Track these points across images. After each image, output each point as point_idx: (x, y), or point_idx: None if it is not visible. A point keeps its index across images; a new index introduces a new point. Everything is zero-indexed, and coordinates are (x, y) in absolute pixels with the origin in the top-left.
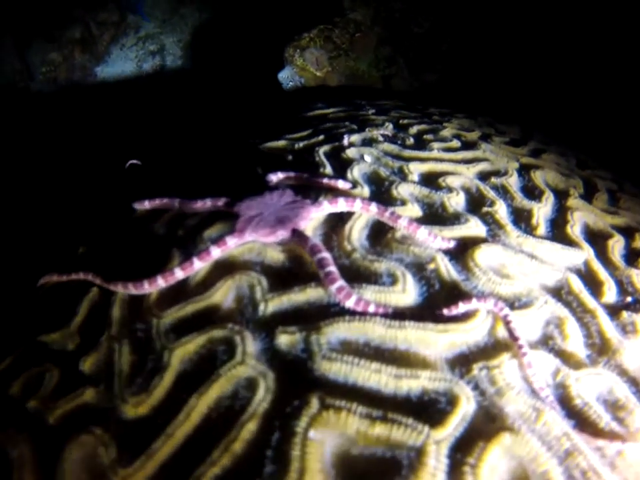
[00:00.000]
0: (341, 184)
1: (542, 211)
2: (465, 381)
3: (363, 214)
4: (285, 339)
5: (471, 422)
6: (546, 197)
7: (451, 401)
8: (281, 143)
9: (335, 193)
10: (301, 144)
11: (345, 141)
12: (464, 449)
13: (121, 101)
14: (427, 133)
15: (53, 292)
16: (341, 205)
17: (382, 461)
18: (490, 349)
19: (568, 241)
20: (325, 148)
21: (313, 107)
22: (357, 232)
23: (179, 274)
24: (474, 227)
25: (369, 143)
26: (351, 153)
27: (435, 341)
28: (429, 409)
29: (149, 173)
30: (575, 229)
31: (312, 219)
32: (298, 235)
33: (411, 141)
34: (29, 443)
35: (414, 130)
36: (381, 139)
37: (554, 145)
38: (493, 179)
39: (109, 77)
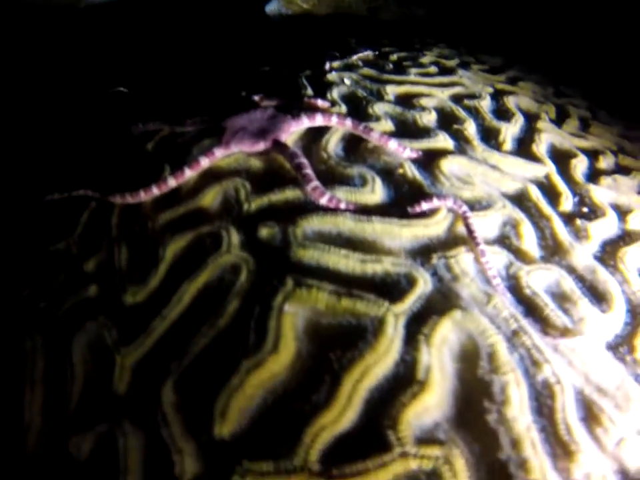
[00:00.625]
0: (320, 103)
1: (510, 131)
2: (425, 268)
3: (339, 128)
4: (266, 232)
5: (427, 300)
6: (515, 119)
7: (410, 282)
8: (265, 69)
9: (315, 109)
10: (284, 70)
11: (327, 66)
12: (420, 321)
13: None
14: (406, 60)
15: (57, 208)
16: (319, 120)
17: (348, 328)
18: (449, 243)
19: (532, 157)
20: (307, 72)
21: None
22: (332, 143)
23: (172, 182)
24: (442, 141)
25: (349, 68)
26: (331, 77)
27: (398, 234)
28: (391, 288)
29: (139, 98)
30: (540, 147)
31: (292, 132)
32: (278, 145)
33: (390, 67)
34: (41, 333)
35: (394, 57)
36: (360, 63)
37: (534, 75)
38: (466, 101)
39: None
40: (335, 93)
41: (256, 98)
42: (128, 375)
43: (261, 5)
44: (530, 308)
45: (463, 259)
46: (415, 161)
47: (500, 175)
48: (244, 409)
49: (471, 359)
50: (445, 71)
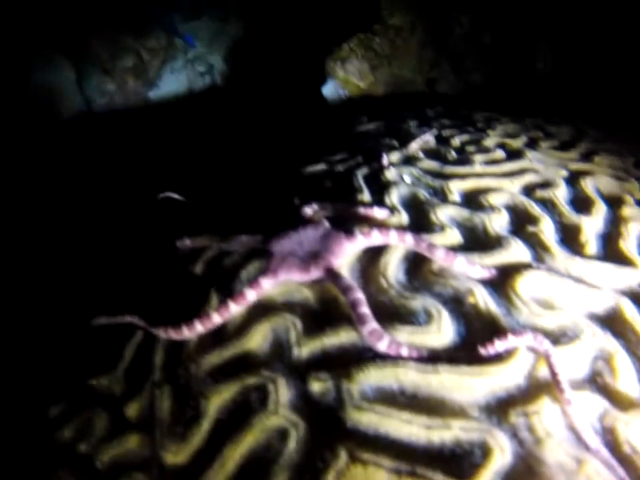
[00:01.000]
0: (377, 212)
1: (591, 225)
2: (502, 429)
3: (400, 246)
4: (317, 387)
5: (505, 474)
6: (597, 209)
7: (485, 452)
8: (320, 167)
9: (372, 222)
10: (340, 167)
11: (384, 161)
12: None
13: (173, 121)
14: (469, 143)
15: (101, 332)
16: (376, 238)
17: None
18: (530, 392)
19: (621, 258)
20: (363, 171)
21: (356, 122)
22: (393, 266)
23: (217, 319)
24: (517, 252)
25: (409, 160)
26: (390, 174)
27: (470, 386)
28: (461, 462)
29: (189, 204)
30: (628, 243)
31: (346, 255)
32: (331, 274)
33: (453, 154)
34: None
35: (456, 142)
36: (421, 155)
37: (609, 143)
38: (539, 192)
39: (161, 99)
40: (395, 197)
41: (308, 211)
42: None
43: (317, 85)
44: (629, 470)
45: (546, 415)
46: (486, 283)
47: (586, 290)
48: None
49: None
50: (512, 154)
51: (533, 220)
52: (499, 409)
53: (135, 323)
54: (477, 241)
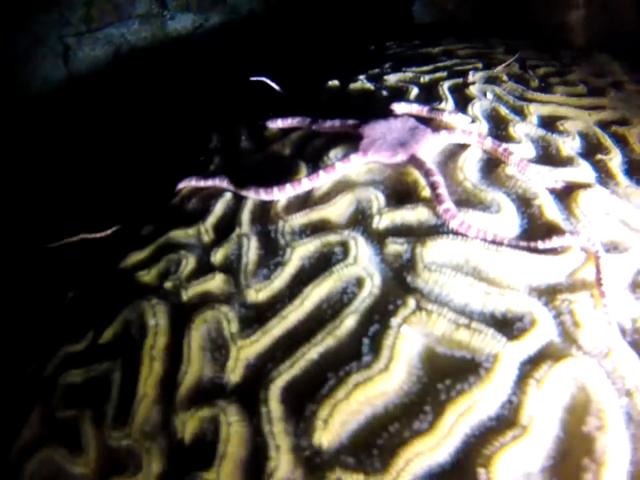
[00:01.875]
0: (461, 117)
1: None
2: (548, 309)
3: (478, 147)
4: (394, 248)
5: (545, 343)
6: None
7: (531, 322)
8: (408, 74)
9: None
10: (427, 77)
11: (470, 77)
12: (534, 364)
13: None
14: (554, 75)
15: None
16: (458, 135)
17: (461, 361)
18: (577, 285)
19: None
20: (449, 83)
21: (445, 41)
22: (470, 163)
23: (307, 184)
24: (584, 172)
25: (493, 80)
26: (474, 89)
27: (526, 269)
28: (511, 325)
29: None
30: None
31: (430, 146)
32: (415, 159)
33: (536, 83)
34: (165, 314)
35: (541, 71)
36: (505, 76)
37: None
38: (615, 128)
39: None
40: (477, 108)
41: (395, 106)
42: (241, 367)
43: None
44: None
45: (587, 306)
46: (552, 192)
47: None
48: (346, 422)
49: (579, 412)
50: (594, 91)
51: (604, 149)
52: (548, 292)
53: (224, 186)
54: (549, 157)
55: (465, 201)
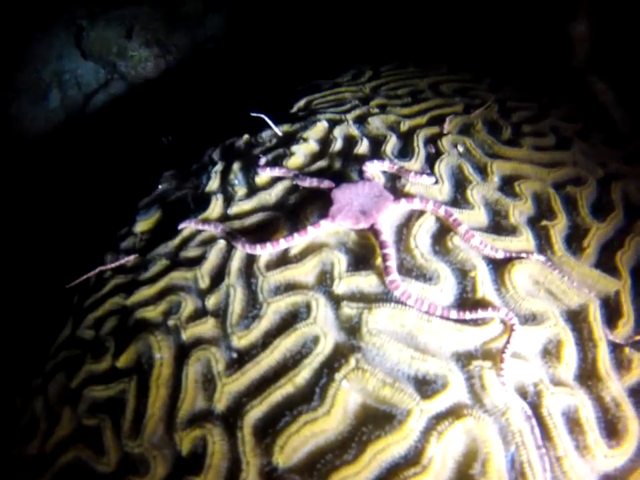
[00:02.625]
0: (425, 180)
1: (600, 233)
2: (462, 372)
3: (433, 215)
4: (347, 312)
5: (453, 403)
6: (613, 216)
7: (444, 384)
8: (391, 117)
9: (418, 187)
10: (407, 123)
11: (446, 127)
12: (439, 419)
13: None
14: (528, 122)
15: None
16: (416, 204)
17: (383, 411)
18: (490, 353)
19: (611, 268)
20: (425, 132)
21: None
22: (422, 230)
23: (283, 244)
24: (524, 241)
25: (467, 130)
26: (446, 142)
27: (450, 336)
28: (427, 385)
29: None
30: (624, 258)
31: (390, 213)
32: (374, 229)
33: (508, 133)
34: (168, 349)
35: (515, 118)
36: (479, 122)
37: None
38: (569, 188)
39: None
40: (443, 167)
41: (368, 166)
42: (224, 399)
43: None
44: (541, 425)
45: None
46: (492, 261)
47: (567, 288)
48: (297, 449)
49: (469, 459)
50: (562, 142)
51: (552, 214)
52: (465, 357)
53: (218, 232)
54: (497, 224)
55: (411, 269)
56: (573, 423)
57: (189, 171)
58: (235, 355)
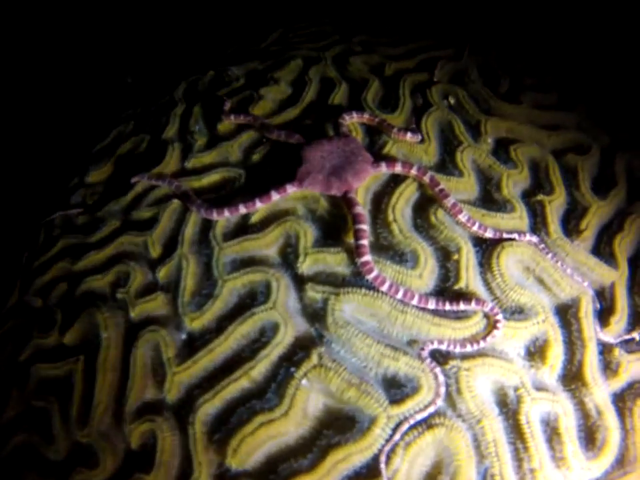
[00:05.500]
0: (409, 137)
1: (600, 212)
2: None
3: (416, 181)
4: (311, 296)
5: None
6: (615, 194)
7: (416, 388)
8: (375, 57)
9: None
10: (392, 66)
11: (437, 73)
12: (408, 427)
13: None
14: (530, 74)
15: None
16: (398, 169)
17: (346, 415)
18: (469, 353)
19: (609, 256)
20: (413, 78)
21: None
22: (403, 200)
23: (243, 209)
24: (517, 218)
25: (460, 77)
26: (435, 91)
27: (427, 330)
28: (396, 388)
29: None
30: (623, 244)
31: (367, 179)
32: (347, 198)
33: (506, 86)
34: (116, 327)
35: (519, 67)
36: (475, 73)
37: None
38: (570, 156)
39: None
40: (431, 122)
41: (346, 118)
42: (175, 390)
43: None
44: (518, 433)
45: (475, 373)
46: (477, 241)
47: (560, 277)
48: (251, 452)
49: (438, 470)
50: (565, 102)
51: (548, 188)
52: (442, 356)
53: (173, 189)
54: (487, 196)
55: (388, 246)
56: (552, 432)
57: (149, 112)
58: (186, 337)
